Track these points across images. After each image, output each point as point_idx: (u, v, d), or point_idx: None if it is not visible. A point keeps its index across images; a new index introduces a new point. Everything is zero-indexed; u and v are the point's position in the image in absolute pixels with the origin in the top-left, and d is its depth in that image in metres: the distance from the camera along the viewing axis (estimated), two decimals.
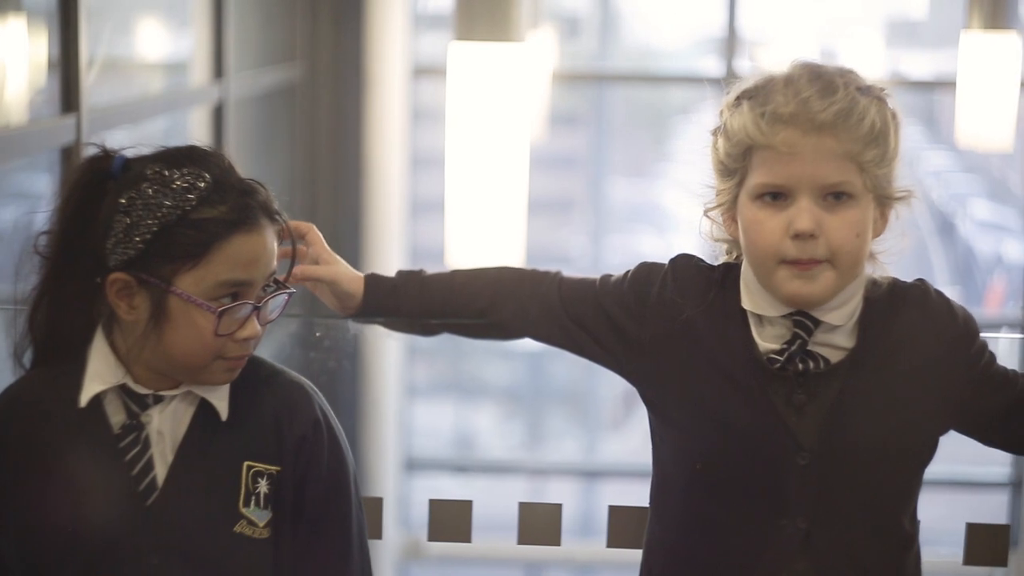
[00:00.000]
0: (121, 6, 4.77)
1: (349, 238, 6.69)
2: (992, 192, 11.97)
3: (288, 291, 1.98)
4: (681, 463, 2.05)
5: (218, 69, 5.42)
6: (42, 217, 2.01)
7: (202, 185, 1.90)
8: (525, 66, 3.39)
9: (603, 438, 9.83)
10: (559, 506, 2.52)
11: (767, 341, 1.98)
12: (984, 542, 2.38)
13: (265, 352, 2.09)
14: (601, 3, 9.87)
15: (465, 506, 2.50)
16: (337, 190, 6.80)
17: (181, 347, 1.92)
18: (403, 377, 7.43)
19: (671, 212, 10.32)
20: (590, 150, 9.99)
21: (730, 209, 2.00)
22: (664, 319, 2.04)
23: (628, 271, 2.13)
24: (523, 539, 2.51)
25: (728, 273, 2.05)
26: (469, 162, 3.38)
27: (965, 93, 5.92)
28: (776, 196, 1.91)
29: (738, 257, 2.07)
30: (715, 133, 1.99)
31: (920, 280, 2.07)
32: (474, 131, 3.35)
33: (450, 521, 2.50)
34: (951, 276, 11.14)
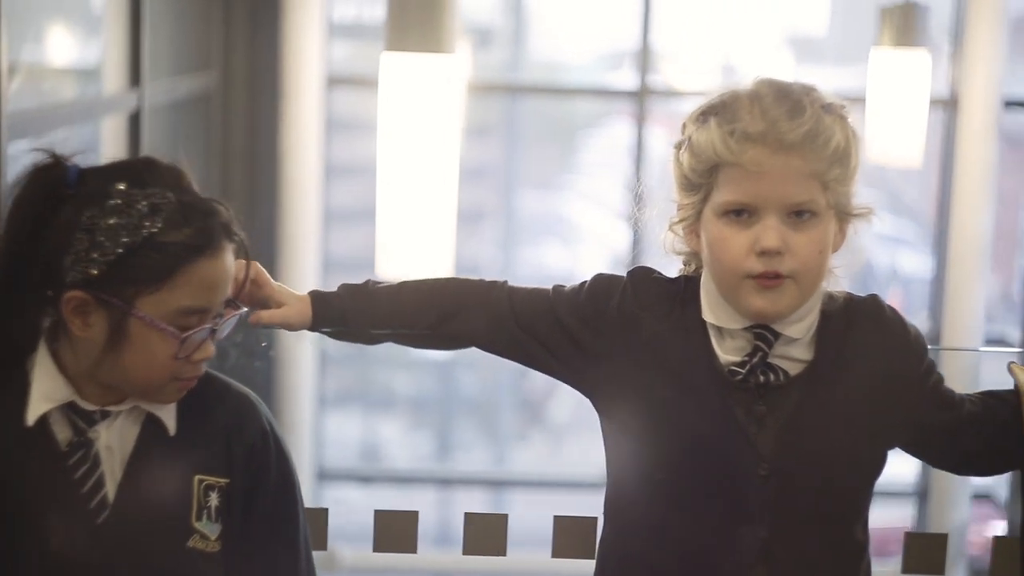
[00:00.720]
0: (32, 11, 4.72)
1: (264, 247, 6.66)
2: (890, 205, 12.16)
3: (239, 312, 1.97)
4: (640, 473, 2.06)
5: (135, 76, 5.38)
6: None
7: (167, 207, 1.86)
8: (456, 77, 3.41)
9: (511, 448, 9.86)
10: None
11: (727, 353, 2.01)
12: (922, 551, 2.43)
13: None
14: (513, 15, 9.91)
15: (411, 516, 2.52)
16: (252, 199, 6.77)
17: (138, 369, 1.89)
18: (316, 386, 7.41)
19: (577, 224, 10.38)
20: (501, 161, 10.01)
21: (693, 224, 2.01)
22: (624, 330, 2.05)
23: (584, 282, 2.14)
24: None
25: (688, 286, 2.08)
26: (399, 172, 3.39)
27: (875, 109, 6.02)
28: (741, 213, 1.93)
29: (696, 270, 2.09)
30: (678, 147, 2.01)
31: (873, 295, 2.10)
32: (405, 141, 3.37)
33: (398, 534, 2.52)
34: (849, 287, 11.27)
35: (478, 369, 9.60)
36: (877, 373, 2.03)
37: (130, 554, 1.92)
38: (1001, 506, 6.57)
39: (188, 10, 6.44)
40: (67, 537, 1.90)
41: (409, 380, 9.73)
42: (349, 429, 9.36)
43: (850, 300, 2.07)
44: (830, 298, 2.04)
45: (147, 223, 1.85)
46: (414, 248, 3.41)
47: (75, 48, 5.30)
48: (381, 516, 2.55)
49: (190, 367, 1.91)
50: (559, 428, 9.76)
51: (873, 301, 2.09)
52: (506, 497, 8.93)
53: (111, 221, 1.85)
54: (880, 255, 11.55)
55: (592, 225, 10.18)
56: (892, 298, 10.59)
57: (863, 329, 2.04)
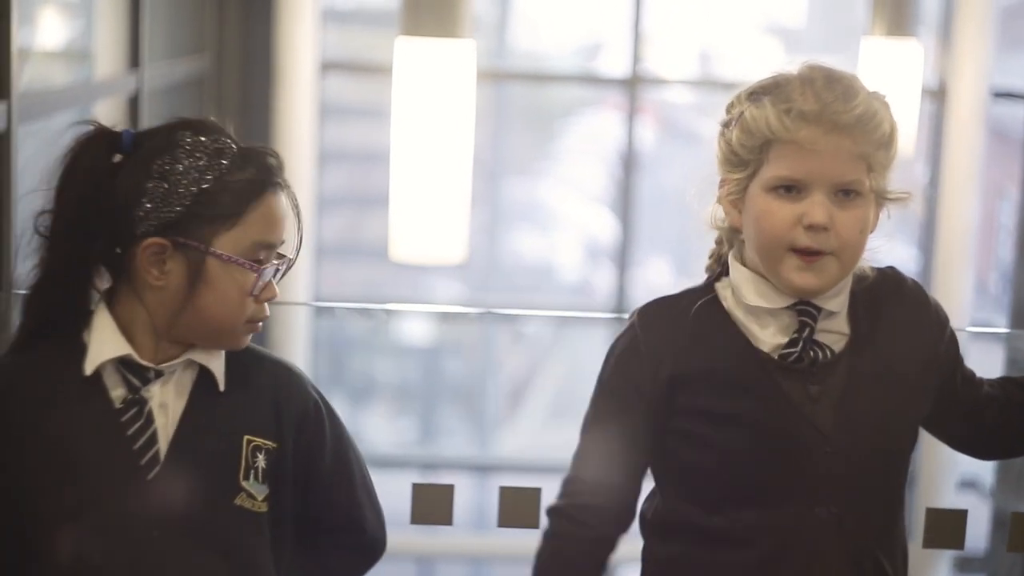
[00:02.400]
0: None
1: None
2: None
3: (289, 258, 2.05)
4: (703, 478, 2.09)
5: (135, 59, 5.38)
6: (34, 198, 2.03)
7: (230, 151, 1.97)
8: (471, 62, 3.43)
9: (494, 433, 9.89)
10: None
11: (771, 337, 2.07)
12: (943, 527, 2.49)
13: None
14: (500, 3, 9.92)
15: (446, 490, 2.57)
16: None
17: (217, 309, 1.97)
18: (308, 371, 7.42)
19: (556, 210, 10.40)
20: (486, 149, 10.04)
21: (736, 200, 2.07)
22: (658, 373, 2.09)
23: (603, 371, 2.17)
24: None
25: (703, 292, 2.13)
26: (413, 158, 3.42)
27: None
28: (790, 188, 2.01)
29: (722, 251, 2.16)
30: (727, 125, 2.07)
31: (891, 267, 2.17)
32: (419, 127, 3.39)
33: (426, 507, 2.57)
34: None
35: (462, 354, 9.63)
36: (909, 340, 2.11)
37: (180, 509, 1.97)
38: (987, 493, 6.63)
39: None
40: (119, 492, 1.96)
41: (392, 366, 9.75)
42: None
43: (871, 272, 2.14)
44: (860, 273, 2.11)
45: (216, 165, 1.95)
46: (427, 233, 3.44)
47: (69, 31, 5.29)
48: (419, 489, 2.63)
49: (259, 308, 2.00)
50: (542, 413, 9.80)
51: (892, 272, 2.16)
52: (491, 482, 8.96)
53: (183, 165, 1.95)
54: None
55: (572, 213, 10.20)
56: None
57: (889, 299, 2.12)
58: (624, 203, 6.92)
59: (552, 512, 2.17)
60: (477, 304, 8.27)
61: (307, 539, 2.11)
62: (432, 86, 3.37)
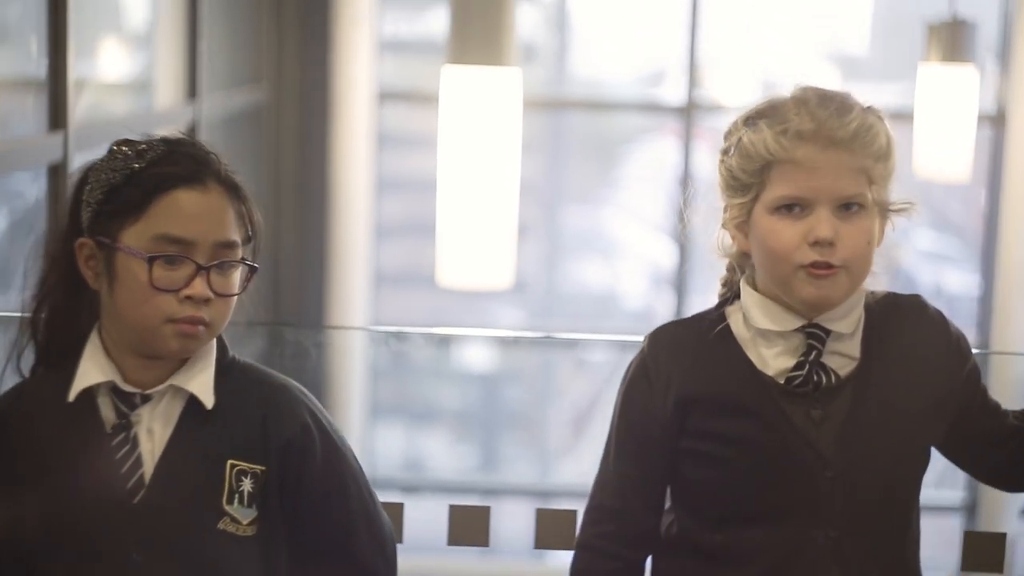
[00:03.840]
0: (92, 26, 4.80)
1: (314, 261, 6.72)
2: (934, 222, 12.13)
3: (247, 263, 2.02)
4: (705, 494, 2.12)
5: (192, 89, 5.46)
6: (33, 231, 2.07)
7: (154, 150, 1.98)
8: (517, 90, 3.45)
9: (556, 462, 9.88)
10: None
11: (778, 360, 2.08)
12: (981, 550, 2.48)
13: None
14: (557, 31, 9.95)
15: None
16: (302, 213, 6.84)
17: (128, 308, 1.97)
18: (367, 396, 7.46)
19: (617, 239, 10.40)
20: (545, 177, 10.05)
21: (741, 224, 2.09)
22: (666, 397, 2.12)
23: (617, 399, 2.20)
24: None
25: (713, 315, 2.15)
26: (460, 185, 3.43)
27: (923, 125, 6.03)
28: (793, 207, 2.02)
29: (734, 277, 2.17)
30: (725, 152, 2.09)
31: (916, 295, 2.17)
32: (465, 154, 3.41)
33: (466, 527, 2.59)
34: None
35: (523, 381, 9.64)
36: (923, 369, 2.10)
37: (163, 533, 1.98)
38: None
39: (241, 24, 6.53)
40: (105, 516, 1.98)
41: (454, 393, 9.77)
42: (392, 440, 9.42)
43: (894, 298, 2.14)
44: (872, 296, 2.12)
45: (130, 163, 1.97)
46: (474, 261, 3.45)
47: (131, 62, 5.38)
48: (455, 511, 2.66)
49: (180, 306, 1.96)
50: (603, 440, 9.75)
51: (916, 299, 2.16)
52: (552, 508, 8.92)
53: (102, 166, 1.99)
54: (924, 272, 11.53)
55: (634, 240, 10.20)
56: None
57: (908, 326, 2.12)
58: (683, 230, 6.91)
59: (578, 547, 2.19)
60: (543, 331, 8.28)
61: (297, 564, 2.09)
62: (478, 114, 3.39)
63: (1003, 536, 2.50)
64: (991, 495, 6.89)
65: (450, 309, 8.74)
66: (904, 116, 6.04)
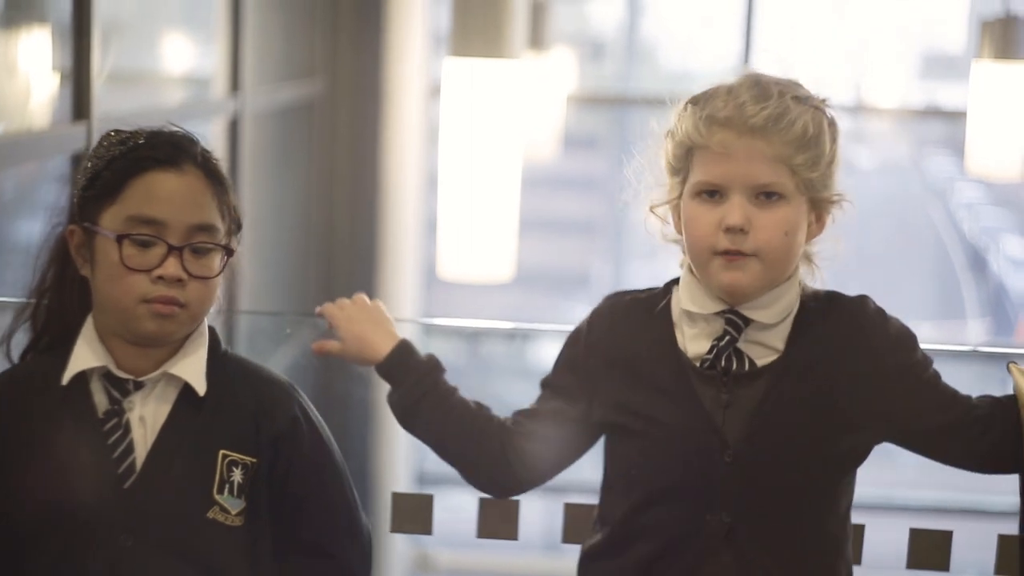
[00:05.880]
0: (141, 18, 4.85)
1: (365, 253, 6.75)
2: (1022, 226, 11.93)
3: (222, 246, 2.02)
4: (619, 470, 2.16)
5: (234, 82, 5.50)
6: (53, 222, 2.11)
7: (136, 138, 2.01)
8: (519, 83, 3.45)
9: (587, 457, 9.81)
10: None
11: (698, 341, 2.09)
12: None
13: (285, 359, 2.16)
14: (628, 28, 9.93)
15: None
16: (354, 207, 6.87)
17: (105, 287, 2.00)
18: None
19: None
20: (614, 173, 10.04)
21: (677, 207, 2.10)
22: (592, 358, 2.16)
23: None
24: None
25: (662, 291, 2.17)
26: (461, 177, 3.44)
27: (976, 123, 5.95)
28: (712, 193, 2.03)
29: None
30: (667, 135, 2.10)
31: (862, 296, 2.15)
32: (466, 146, 3.42)
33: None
34: (982, 310, 11.11)
35: None
36: (852, 367, 2.08)
37: (153, 520, 2.00)
38: None
39: (294, 18, 6.57)
40: (93, 499, 1.99)
41: (518, 388, 9.75)
42: None
43: (834, 296, 2.13)
44: (814, 293, 2.11)
45: (113, 150, 2.00)
46: (475, 255, 3.46)
47: (180, 54, 5.43)
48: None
49: (153, 286, 1.97)
50: None
51: (859, 300, 2.14)
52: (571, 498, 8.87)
53: (90, 156, 2.02)
54: (1015, 278, 11.34)
55: None
56: None
57: (840, 324, 2.10)
58: None
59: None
60: None
61: (280, 558, 2.11)
62: (479, 105, 3.39)
63: (949, 534, 2.45)
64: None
65: (515, 304, 8.75)
66: None
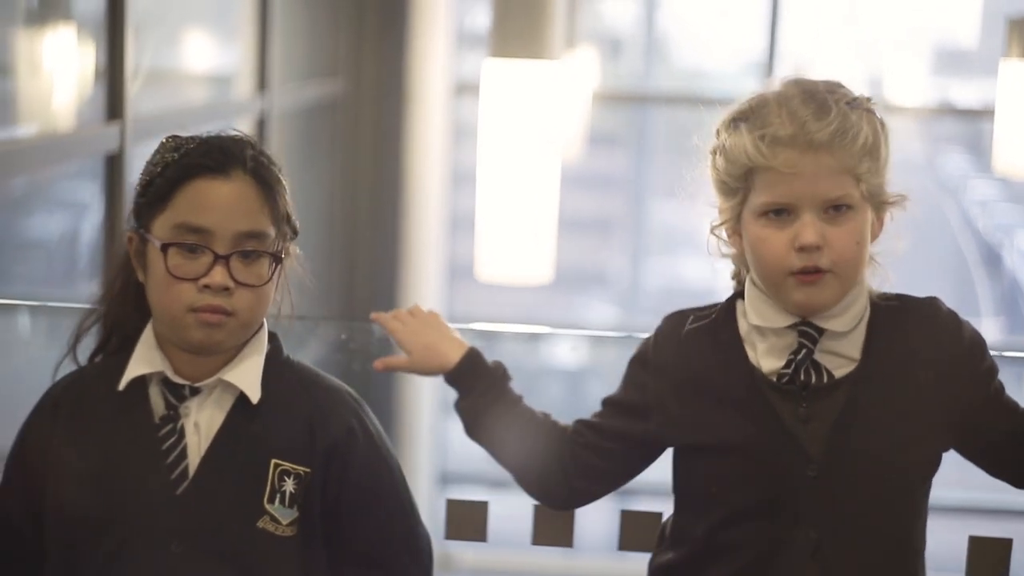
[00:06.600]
0: (169, 18, 4.85)
1: (388, 252, 6.75)
2: None
3: (271, 253, 1.99)
4: (694, 489, 2.12)
5: (262, 81, 5.50)
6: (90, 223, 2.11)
7: (190, 143, 1.98)
8: (559, 84, 3.44)
9: None
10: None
11: (771, 357, 2.05)
12: (986, 557, 2.44)
13: (306, 361, 2.14)
14: (646, 24, 9.91)
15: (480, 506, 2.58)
16: (377, 204, 6.87)
17: (154, 296, 1.98)
18: (439, 390, 7.47)
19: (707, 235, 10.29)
20: (631, 171, 10.02)
21: (734, 225, 2.06)
22: (661, 381, 2.11)
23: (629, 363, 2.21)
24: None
25: (723, 307, 2.13)
26: (501, 178, 3.44)
27: (1004, 121, 5.92)
28: (779, 212, 1.99)
29: (741, 275, 2.13)
30: (713, 153, 2.06)
31: (932, 297, 2.12)
32: (506, 147, 3.41)
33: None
34: (996, 307, 11.09)
35: (606, 378, 9.60)
36: (929, 373, 2.05)
37: (203, 527, 1.98)
38: None
39: (318, 17, 6.57)
40: (147, 505, 1.98)
41: (537, 387, 9.77)
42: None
43: (905, 300, 2.10)
44: (882, 296, 2.08)
45: (167, 156, 1.98)
46: (513, 254, 3.46)
47: (208, 53, 5.43)
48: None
49: (199, 295, 1.95)
50: None
51: (929, 303, 2.11)
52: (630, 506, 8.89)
53: (148, 162, 2.01)
54: None
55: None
56: None
57: (914, 329, 2.07)
58: None
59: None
60: (626, 327, 8.24)
61: (334, 568, 2.09)
62: (519, 106, 3.39)
63: (1009, 542, 2.44)
64: None
65: (533, 303, 8.74)
66: None
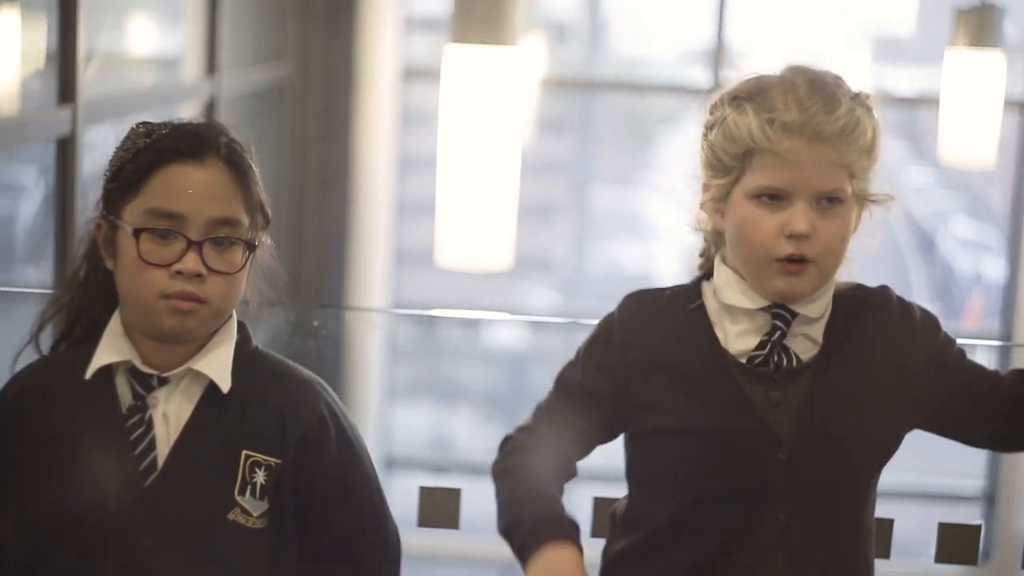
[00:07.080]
0: (117, 1, 4.80)
1: (335, 238, 6.72)
2: (972, 210, 12.02)
3: (244, 241, 1.97)
4: (659, 473, 2.10)
5: (211, 65, 5.46)
6: (30, 207, 2.08)
7: (162, 129, 1.97)
8: (519, 70, 3.43)
9: None
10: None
11: (741, 339, 2.07)
12: (955, 542, 2.46)
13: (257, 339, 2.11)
14: (590, 10, 9.92)
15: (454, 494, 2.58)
16: (325, 190, 6.84)
17: (125, 282, 1.96)
18: (384, 375, 7.46)
19: (652, 221, 10.36)
20: (575, 156, 10.03)
21: (719, 203, 2.06)
22: (624, 359, 2.08)
23: (580, 347, 2.15)
24: None
25: (686, 288, 2.13)
26: (461, 164, 3.42)
27: (949, 110, 5.98)
28: (773, 197, 2.00)
29: (710, 252, 2.14)
30: (709, 128, 2.06)
31: (883, 286, 2.15)
32: (466, 134, 3.40)
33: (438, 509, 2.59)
34: (930, 293, 11.19)
35: (550, 365, 9.62)
36: (888, 355, 2.08)
37: (172, 519, 1.96)
38: None
39: (265, 1, 6.52)
40: (114, 497, 1.96)
41: (480, 373, 9.78)
42: (419, 419, 9.43)
43: (862, 289, 2.13)
44: (842, 285, 2.10)
45: (138, 142, 1.97)
46: (474, 241, 3.44)
47: (156, 37, 5.38)
48: (426, 492, 2.66)
49: (171, 281, 1.93)
50: None
51: (882, 291, 2.14)
52: (580, 492, 8.91)
53: (118, 148, 1.99)
54: (963, 260, 11.44)
55: (668, 222, 10.16)
56: (974, 302, 10.51)
57: (870, 316, 2.10)
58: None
59: (504, 441, 2.10)
60: (569, 312, 8.25)
61: (304, 561, 2.07)
62: (480, 93, 3.37)
63: (977, 528, 2.47)
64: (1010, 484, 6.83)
65: (476, 288, 8.74)
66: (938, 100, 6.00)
